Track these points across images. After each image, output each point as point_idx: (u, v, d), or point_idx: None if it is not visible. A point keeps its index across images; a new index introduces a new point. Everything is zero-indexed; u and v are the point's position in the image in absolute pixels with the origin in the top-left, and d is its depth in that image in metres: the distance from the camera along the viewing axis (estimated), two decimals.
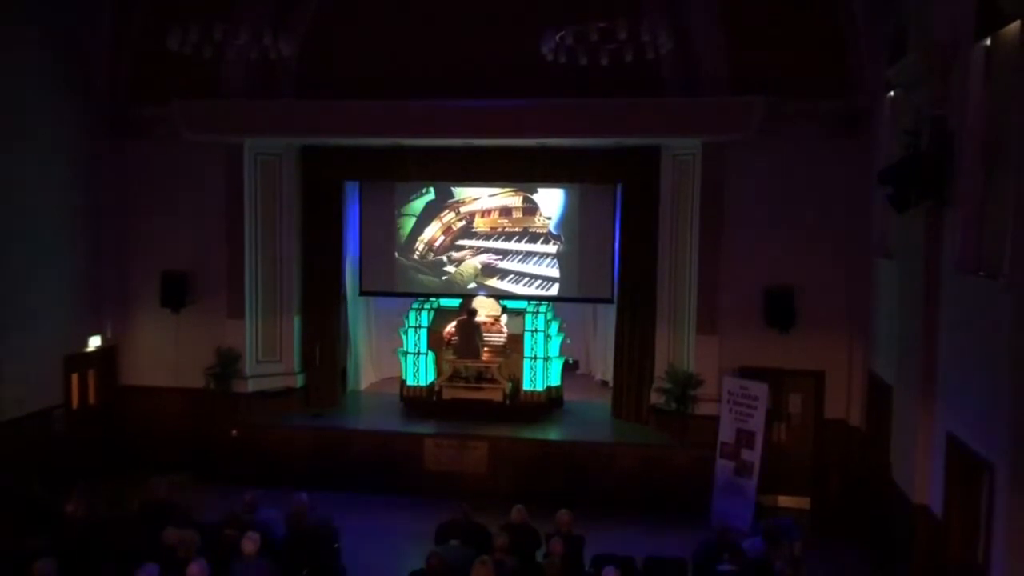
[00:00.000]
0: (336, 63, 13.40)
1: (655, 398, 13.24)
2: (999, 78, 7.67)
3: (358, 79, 13.23)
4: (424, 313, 14.67)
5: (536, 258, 14.92)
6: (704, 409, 12.54)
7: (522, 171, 13.96)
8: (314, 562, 8.69)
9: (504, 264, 15.01)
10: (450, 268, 15.13)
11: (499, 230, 15.03)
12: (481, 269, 15.03)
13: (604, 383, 16.01)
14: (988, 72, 7.87)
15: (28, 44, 12.17)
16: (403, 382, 14.62)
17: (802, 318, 12.34)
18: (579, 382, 16.44)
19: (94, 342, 13.70)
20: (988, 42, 7.82)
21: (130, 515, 9.07)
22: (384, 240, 15.25)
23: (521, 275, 14.98)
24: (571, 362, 16.35)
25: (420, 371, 14.48)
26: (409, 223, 15.20)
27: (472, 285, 15.02)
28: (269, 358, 14.18)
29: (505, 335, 14.49)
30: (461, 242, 15.12)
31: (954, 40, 8.46)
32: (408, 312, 14.73)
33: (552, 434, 13.47)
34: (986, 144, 7.88)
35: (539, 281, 14.92)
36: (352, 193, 15.17)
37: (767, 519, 9.60)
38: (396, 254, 15.24)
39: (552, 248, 14.83)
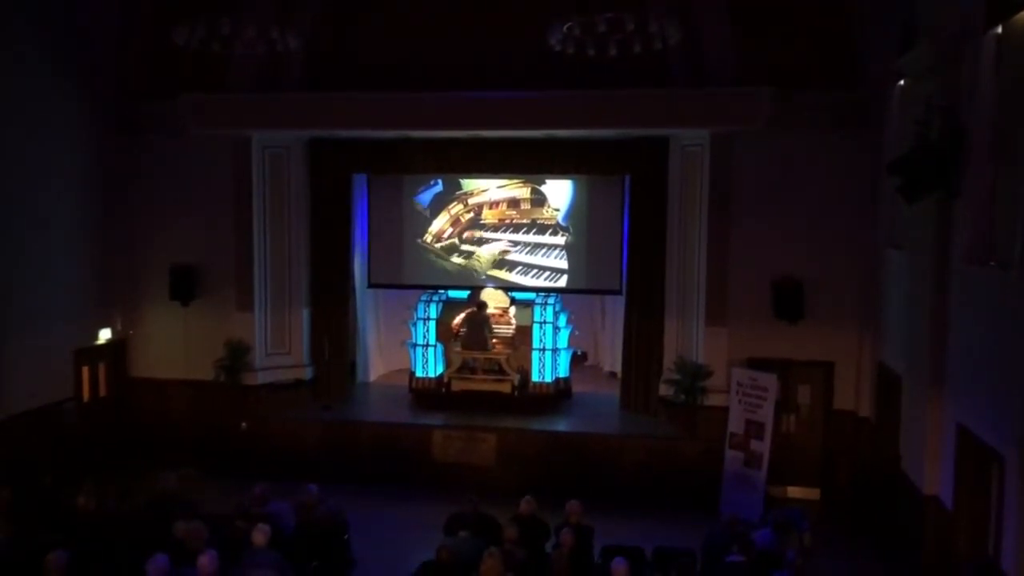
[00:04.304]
0: (343, 56, 13.39)
1: (664, 389, 13.23)
2: (1010, 67, 7.62)
3: (365, 71, 13.22)
4: (433, 305, 14.70)
5: (544, 250, 14.91)
6: (713, 400, 12.53)
7: (530, 163, 13.94)
8: (324, 554, 8.73)
9: (512, 255, 15.02)
10: (459, 260, 15.12)
11: (507, 222, 15.02)
12: (498, 256, 15.00)
13: (612, 375, 16.02)
14: (999, 61, 7.81)
15: (36, 41, 12.18)
16: (412, 374, 14.65)
17: (811, 309, 12.31)
18: (587, 374, 16.46)
19: (104, 335, 13.77)
20: (999, 31, 7.77)
21: (140, 508, 9.12)
22: (392, 232, 15.26)
23: (529, 267, 14.98)
24: (579, 354, 16.35)
25: (429, 363, 14.50)
26: (417, 215, 15.20)
27: (489, 274, 15.01)
28: (278, 351, 14.21)
29: (513, 327, 14.49)
30: (469, 233, 15.11)
31: (964, 29, 8.41)
32: (417, 304, 14.75)
33: (561, 426, 13.48)
34: (996, 134, 7.83)
35: (547, 273, 14.91)
36: (360, 185, 15.19)
37: (776, 510, 9.59)
38: (404, 246, 15.25)
39: (560, 240, 14.82)
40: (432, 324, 14.58)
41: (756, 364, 12.41)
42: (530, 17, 11.34)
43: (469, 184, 15.05)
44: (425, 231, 15.18)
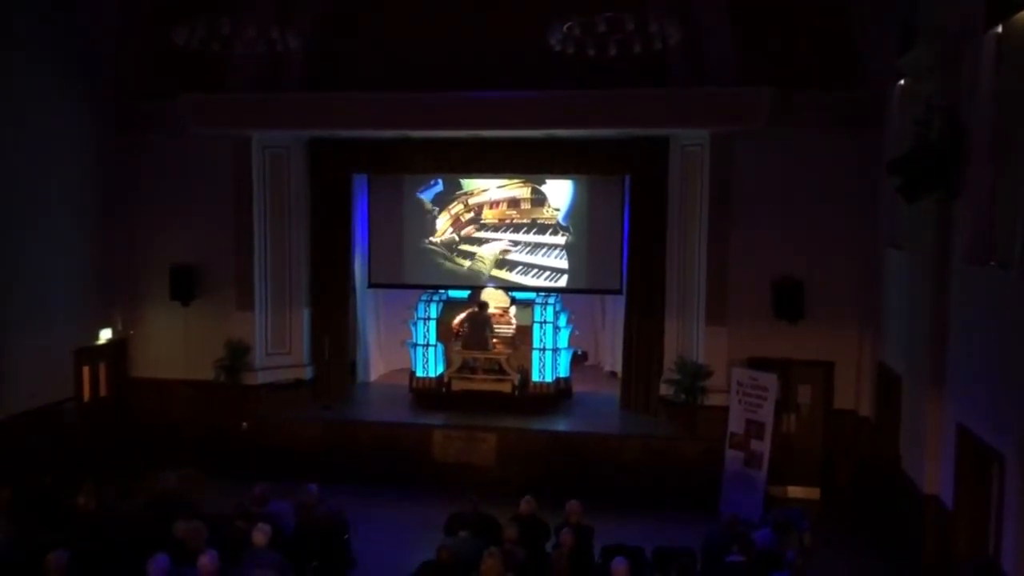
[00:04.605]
0: (343, 56, 13.39)
1: (664, 389, 13.23)
2: (1010, 67, 7.62)
3: (365, 71, 13.23)
4: (433, 305, 14.70)
5: (545, 249, 14.92)
6: (713, 400, 12.53)
7: (530, 163, 13.94)
8: (324, 553, 8.73)
9: (513, 255, 15.02)
10: (464, 261, 15.11)
11: (507, 221, 15.02)
12: (499, 256, 14.98)
13: (613, 374, 16.02)
14: (999, 61, 7.81)
15: (36, 41, 12.18)
16: (412, 374, 14.64)
17: (811, 308, 12.31)
18: (588, 373, 16.46)
19: (105, 335, 13.77)
20: (999, 30, 7.77)
21: (140, 508, 9.12)
22: (393, 232, 15.26)
23: (530, 266, 14.98)
24: (580, 353, 16.35)
25: (429, 363, 14.50)
26: (418, 215, 15.19)
27: (492, 273, 14.99)
28: (278, 350, 14.22)
29: (514, 327, 14.50)
30: (470, 233, 15.10)
31: (964, 29, 8.41)
32: (417, 304, 14.75)
33: (561, 425, 13.47)
34: (997, 133, 7.83)
35: (548, 272, 14.92)
36: (360, 185, 15.19)
37: (776, 510, 9.60)
38: (404, 246, 15.24)
39: (561, 239, 14.82)
40: (432, 324, 14.57)
41: (756, 364, 12.41)
42: (530, 17, 11.34)
43: (469, 184, 15.05)
44: (429, 231, 15.16)
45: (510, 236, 15.01)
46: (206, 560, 7.01)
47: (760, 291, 12.51)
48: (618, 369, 15.10)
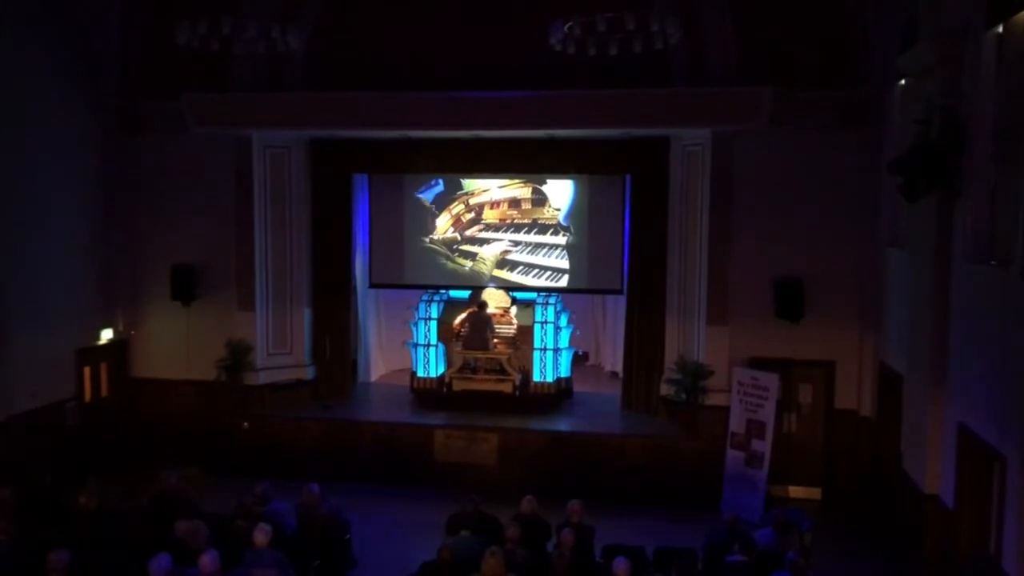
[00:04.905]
0: (344, 55, 13.38)
1: (665, 389, 13.22)
2: (1011, 66, 7.62)
3: (366, 71, 13.22)
4: (434, 305, 14.69)
5: (545, 249, 14.91)
6: (714, 400, 12.52)
7: (531, 163, 13.94)
8: (325, 553, 8.74)
9: (514, 255, 15.01)
10: (465, 261, 15.10)
11: (508, 222, 15.01)
12: (500, 256, 14.97)
13: (614, 374, 16.01)
14: (1000, 60, 7.82)
15: (37, 41, 12.19)
16: (413, 374, 14.64)
17: (812, 308, 12.30)
18: (589, 373, 16.46)
19: (106, 335, 13.78)
20: (1000, 30, 7.77)
21: (142, 507, 9.13)
22: (393, 232, 15.25)
23: (531, 266, 14.97)
24: (581, 353, 16.34)
25: (430, 363, 14.49)
26: (418, 215, 15.20)
27: (493, 273, 14.98)
28: (279, 350, 14.22)
29: (515, 327, 14.49)
30: (471, 233, 15.10)
31: (966, 28, 8.41)
32: (418, 304, 14.75)
33: (562, 425, 13.47)
34: (998, 132, 7.84)
35: (549, 272, 14.90)
36: (361, 185, 15.18)
37: (777, 509, 9.59)
38: (405, 246, 15.24)
39: (561, 239, 14.81)
40: (433, 324, 14.57)
41: (757, 363, 12.41)
42: (530, 17, 11.36)
43: (470, 184, 15.04)
44: (430, 230, 15.15)
45: (511, 236, 15.00)
46: (207, 560, 7.02)
47: (761, 291, 12.51)
48: (619, 369, 15.10)
